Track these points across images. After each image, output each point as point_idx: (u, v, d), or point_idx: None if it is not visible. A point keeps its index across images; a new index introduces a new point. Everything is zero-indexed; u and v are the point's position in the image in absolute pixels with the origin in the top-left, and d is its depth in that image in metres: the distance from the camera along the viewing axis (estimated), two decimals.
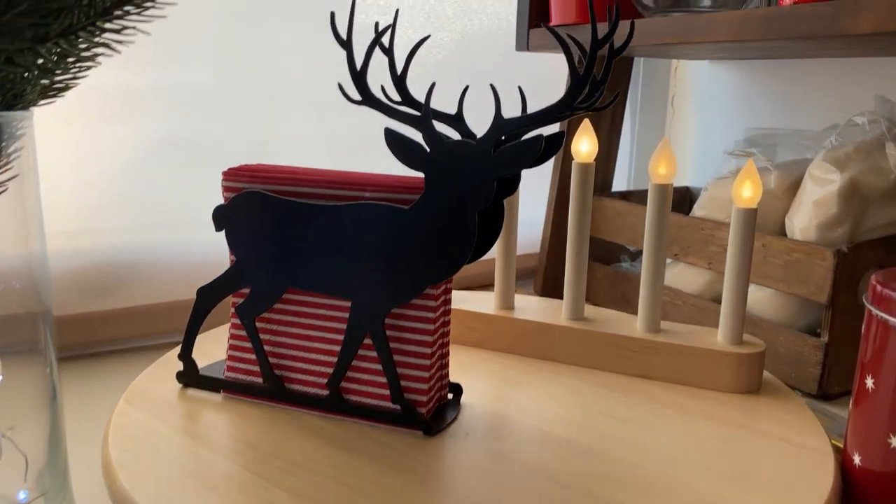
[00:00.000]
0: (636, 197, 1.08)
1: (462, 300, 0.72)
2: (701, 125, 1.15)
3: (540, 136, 0.44)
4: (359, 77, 0.48)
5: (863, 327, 0.49)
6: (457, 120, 0.54)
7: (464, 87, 0.50)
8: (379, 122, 0.49)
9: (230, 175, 0.55)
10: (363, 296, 0.51)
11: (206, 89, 0.88)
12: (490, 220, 0.51)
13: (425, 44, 0.52)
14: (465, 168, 0.46)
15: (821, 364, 0.73)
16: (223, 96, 0.89)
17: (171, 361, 0.60)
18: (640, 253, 0.99)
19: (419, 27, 0.99)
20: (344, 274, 0.51)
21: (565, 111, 0.44)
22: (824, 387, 0.73)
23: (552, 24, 0.84)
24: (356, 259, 0.50)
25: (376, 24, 0.55)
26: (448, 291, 0.53)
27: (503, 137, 0.46)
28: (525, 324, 0.68)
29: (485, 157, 0.46)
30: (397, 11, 0.54)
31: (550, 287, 1.05)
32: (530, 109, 0.48)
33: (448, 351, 0.55)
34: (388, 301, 0.50)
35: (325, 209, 0.51)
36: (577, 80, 0.43)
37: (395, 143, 0.48)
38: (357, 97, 0.49)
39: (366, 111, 0.50)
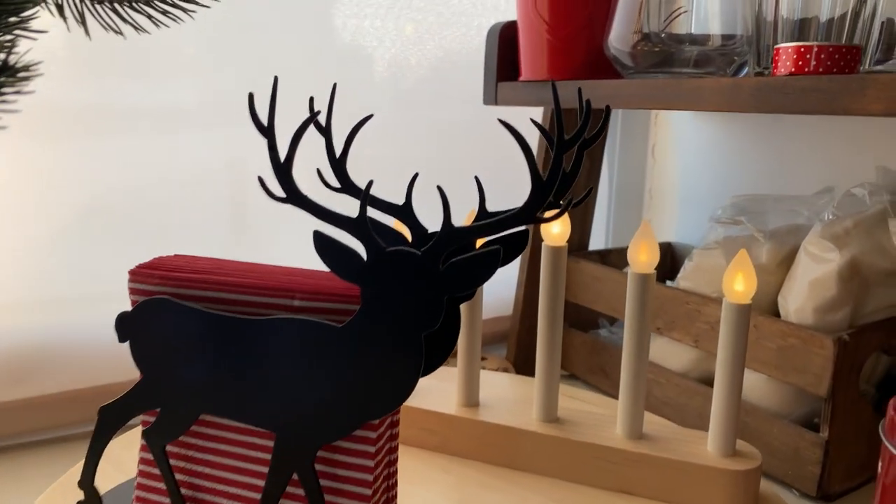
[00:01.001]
0: (615, 257, 1.01)
1: (419, 392, 0.63)
2: (684, 176, 1.08)
3: (497, 250, 0.37)
4: (282, 170, 0.40)
5: (879, 465, 0.41)
6: (404, 212, 0.46)
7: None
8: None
9: (138, 275, 0.47)
10: (289, 429, 0.42)
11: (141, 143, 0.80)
12: (443, 327, 0.43)
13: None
14: (408, 284, 0.38)
15: (820, 463, 0.65)
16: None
17: (73, 480, 0.51)
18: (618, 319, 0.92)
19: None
20: (267, 402, 0.43)
21: (527, 220, 0.37)
22: (824, 487, 0.66)
23: (522, 78, 0.77)
24: (281, 385, 0.42)
25: (310, 100, 0.47)
26: (394, 424, 0.45)
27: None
28: (491, 427, 0.60)
29: (431, 273, 0.38)
30: (334, 86, 0.46)
31: (524, 354, 0.97)
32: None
33: (395, 482, 0.47)
34: (317, 437, 0.42)
35: (246, 323, 0.43)
36: (540, 186, 0.36)
37: (325, 248, 0.40)
38: (280, 194, 0.41)
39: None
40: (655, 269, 0.56)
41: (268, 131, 0.40)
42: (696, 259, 0.77)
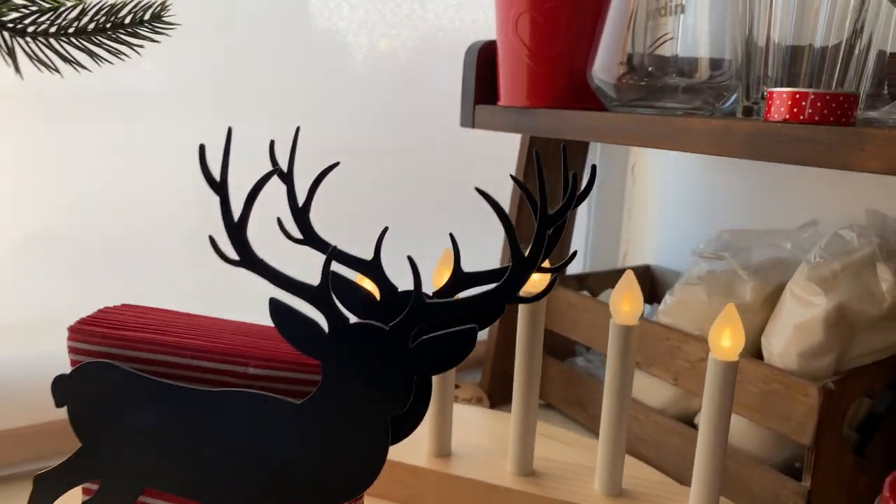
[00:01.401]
0: (593, 281, 0.98)
1: None
2: (664, 196, 1.06)
3: (473, 330, 0.33)
4: (235, 231, 0.37)
5: None
6: (372, 268, 0.43)
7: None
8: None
9: (78, 333, 0.43)
10: None
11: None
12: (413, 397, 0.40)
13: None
14: (373, 362, 0.35)
15: None
16: None
17: None
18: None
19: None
20: (215, 480, 0.39)
21: (507, 300, 0.33)
22: None
23: (500, 103, 0.74)
24: (232, 463, 0.38)
25: (271, 144, 0.43)
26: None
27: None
28: (463, 482, 0.56)
29: (400, 351, 0.34)
30: (297, 130, 0.42)
31: (499, 382, 0.94)
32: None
33: None
34: None
35: (196, 394, 0.39)
36: (521, 263, 0.32)
37: (281, 318, 0.36)
38: (234, 256, 0.37)
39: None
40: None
41: (220, 187, 0.37)
42: (678, 294, 0.75)
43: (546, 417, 0.90)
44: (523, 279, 0.33)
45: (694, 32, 0.63)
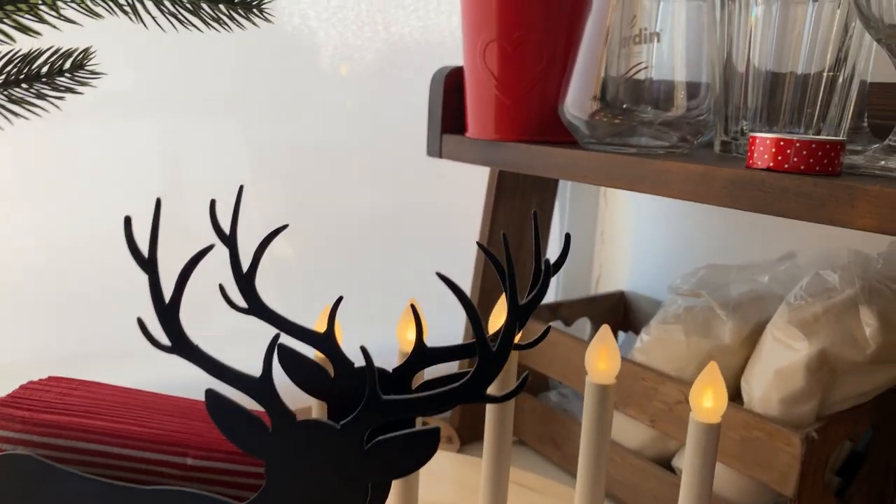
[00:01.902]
0: (566, 310, 0.95)
1: None
2: (637, 220, 1.03)
3: (436, 431, 0.30)
4: (167, 314, 0.32)
5: None
6: (325, 341, 0.39)
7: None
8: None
9: None
10: None
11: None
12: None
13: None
14: (322, 464, 0.31)
15: None
16: None
17: None
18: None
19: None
20: None
21: (473, 398, 0.30)
22: None
23: (468, 134, 0.70)
24: None
25: (211, 207, 0.39)
26: None
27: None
28: None
29: (351, 453, 0.31)
30: (240, 190, 0.38)
31: (469, 419, 0.90)
32: None
33: None
34: None
35: (127, 492, 0.35)
36: (488, 359, 0.29)
37: (219, 412, 0.32)
38: (166, 342, 0.33)
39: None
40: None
41: (149, 266, 0.32)
42: (654, 332, 0.72)
43: (519, 455, 0.87)
44: (491, 377, 0.29)
45: (670, 62, 0.60)
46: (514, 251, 0.90)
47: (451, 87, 0.73)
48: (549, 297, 1.03)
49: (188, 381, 0.44)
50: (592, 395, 0.49)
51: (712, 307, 0.68)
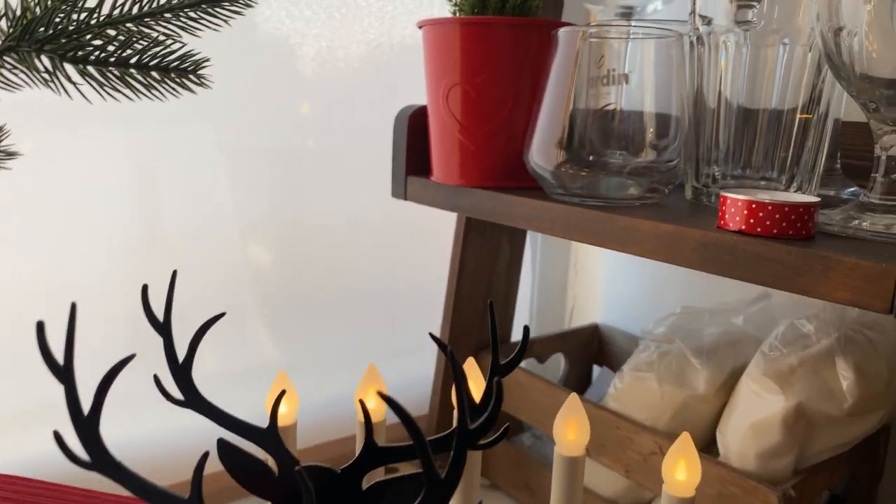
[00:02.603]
0: (539, 347, 0.93)
1: None
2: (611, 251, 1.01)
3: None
4: (84, 428, 0.29)
5: None
6: (268, 438, 0.36)
7: None
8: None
9: None
10: None
11: None
12: None
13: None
14: None
15: None
16: None
17: None
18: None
19: None
20: None
21: None
22: None
23: (433, 177, 0.68)
24: None
25: (143, 290, 0.36)
26: None
27: None
28: None
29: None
30: (174, 275, 0.35)
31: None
32: None
33: None
34: None
35: None
36: (435, 486, 0.26)
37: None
38: (84, 457, 0.30)
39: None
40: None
41: (64, 375, 0.29)
42: (628, 379, 0.70)
43: (493, 500, 0.84)
44: None
45: (639, 104, 0.58)
46: (484, 290, 0.87)
47: (414, 126, 0.71)
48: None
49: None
50: (561, 468, 0.47)
51: (686, 355, 0.66)
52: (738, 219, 0.44)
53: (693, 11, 0.59)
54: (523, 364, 0.91)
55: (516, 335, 0.94)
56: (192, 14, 0.36)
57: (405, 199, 0.72)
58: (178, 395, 0.35)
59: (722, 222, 0.45)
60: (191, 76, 0.36)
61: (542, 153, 0.56)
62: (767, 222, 0.43)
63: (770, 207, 0.42)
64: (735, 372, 0.66)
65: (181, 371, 0.35)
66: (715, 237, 0.44)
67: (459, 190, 0.64)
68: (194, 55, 0.37)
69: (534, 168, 0.57)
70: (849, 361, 0.57)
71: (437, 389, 0.87)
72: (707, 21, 0.58)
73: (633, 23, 0.72)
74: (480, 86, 0.60)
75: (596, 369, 1.00)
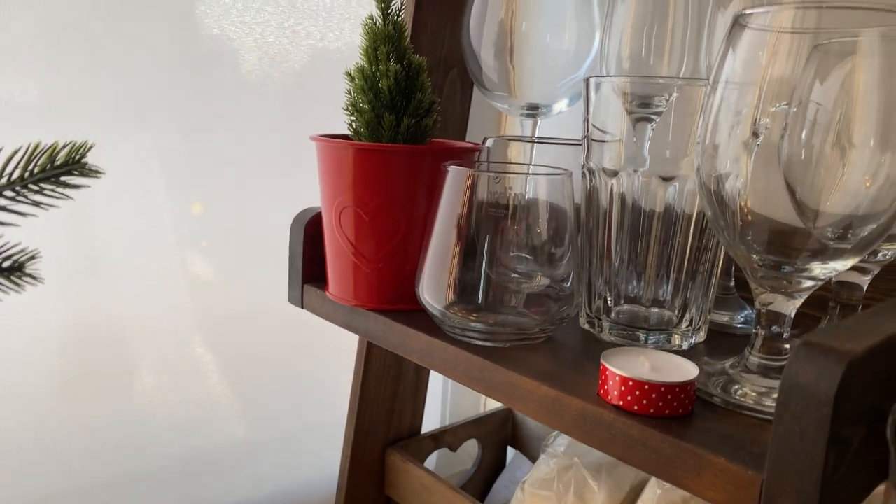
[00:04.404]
0: (451, 436, 0.91)
1: None
2: None
3: None
4: None
5: None
6: None
7: None
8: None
9: None
10: None
11: None
12: None
13: None
14: None
15: None
16: None
17: None
18: None
19: None
20: None
21: None
22: None
23: (330, 292, 0.65)
24: None
25: None
26: None
27: None
28: None
29: None
30: None
31: None
32: None
33: None
34: None
35: None
36: None
37: None
38: None
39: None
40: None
41: None
42: (528, 497, 0.69)
43: None
44: None
45: (533, 235, 0.57)
46: (392, 386, 0.85)
47: (311, 234, 0.68)
48: (434, 424, 0.99)
49: None
50: None
51: (584, 475, 0.65)
52: (616, 393, 0.43)
53: (587, 120, 0.58)
54: (434, 456, 0.90)
55: (429, 424, 0.92)
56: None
57: (301, 307, 0.70)
58: None
59: (602, 391, 0.44)
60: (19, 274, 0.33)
61: (430, 292, 0.54)
62: (644, 401, 0.42)
63: (647, 387, 0.42)
64: (635, 488, 0.66)
65: None
66: (593, 411, 0.43)
67: (355, 310, 0.62)
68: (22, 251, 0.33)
69: (424, 304, 0.55)
70: None
71: (341, 489, 0.84)
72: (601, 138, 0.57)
73: (529, 163, 0.69)
74: (373, 211, 0.58)
75: (510, 452, 0.99)
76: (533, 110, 0.77)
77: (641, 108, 0.56)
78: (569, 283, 0.56)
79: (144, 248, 0.79)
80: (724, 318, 0.62)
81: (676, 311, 0.58)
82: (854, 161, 0.40)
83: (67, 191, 0.35)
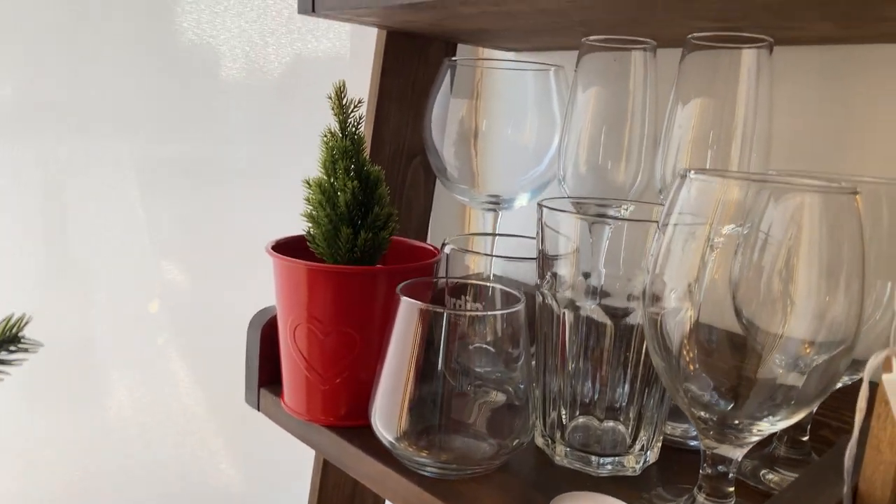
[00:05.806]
0: None
1: None
2: None
3: None
4: None
5: None
6: None
7: None
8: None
9: None
10: None
11: None
12: None
13: None
14: None
15: None
16: None
17: None
18: None
19: None
20: None
21: None
22: None
23: (284, 401, 0.64)
24: None
25: None
26: None
27: None
28: None
29: None
30: None
31: None
32: None
33: None
34: None
35: None
36: None
37: None
38: None
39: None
40: None
41: None
42: None
43: None
44: None
45: (491, 359, 0.57)
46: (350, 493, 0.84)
47: (267, 337, 0.67)
48: None
49: None
50: None
51: None
52: None
53: (538, 245, 0.58)
54: None
55: None
56: None
57: (258, 410, 0.69)
58: None
59: None
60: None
61: (382, 421, 0.53)
62: None
63: None
64: None
65: None
66: None
67: (308, 426, 0.61)
68: None
69: (376, 431, 0.54)
70: None
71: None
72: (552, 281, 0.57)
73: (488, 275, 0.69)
74: (327, 329, 0.58)
75: None
76: (494, 203, 0.78)
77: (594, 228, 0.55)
78: (524, 399, 0.56)
79: (121, 255, 0.77)
80: (676, 431, 0.62)
81: (631, 423, 0.57)
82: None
83: (4, 367, 0.34)
